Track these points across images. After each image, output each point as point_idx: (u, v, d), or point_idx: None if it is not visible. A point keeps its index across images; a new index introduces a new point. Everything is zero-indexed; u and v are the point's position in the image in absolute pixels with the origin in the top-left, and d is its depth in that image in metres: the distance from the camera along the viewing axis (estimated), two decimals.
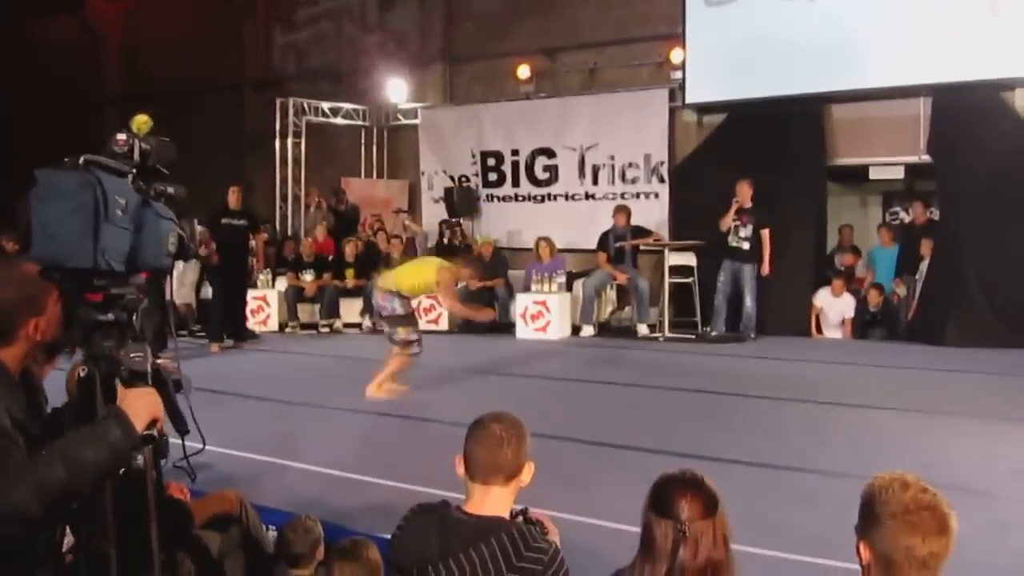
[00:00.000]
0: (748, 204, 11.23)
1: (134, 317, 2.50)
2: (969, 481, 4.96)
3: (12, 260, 2.43)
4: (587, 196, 13.66)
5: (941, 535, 2.11)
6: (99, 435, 2.18)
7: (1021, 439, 6.24)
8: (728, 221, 11.23)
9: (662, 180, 12.99)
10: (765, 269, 11.20)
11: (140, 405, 2.28)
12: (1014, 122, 10.85)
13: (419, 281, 7.85)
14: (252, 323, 12.32)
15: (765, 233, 11.21)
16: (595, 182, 13.62)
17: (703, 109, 12.86)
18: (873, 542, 2.16)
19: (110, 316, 2.45)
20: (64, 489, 2.11)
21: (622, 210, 12.22)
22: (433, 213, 14.69)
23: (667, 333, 11.57)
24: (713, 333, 11.38)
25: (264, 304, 12.84)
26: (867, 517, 2.20)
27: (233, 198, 11.27)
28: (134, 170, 2.58)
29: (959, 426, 6.65)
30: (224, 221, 11.11)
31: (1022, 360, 9.37)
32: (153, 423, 2.31)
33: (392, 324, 7.90)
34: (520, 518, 2.69)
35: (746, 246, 11.20)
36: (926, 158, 11.47)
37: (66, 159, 2.45)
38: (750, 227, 11.19)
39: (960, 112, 11.14)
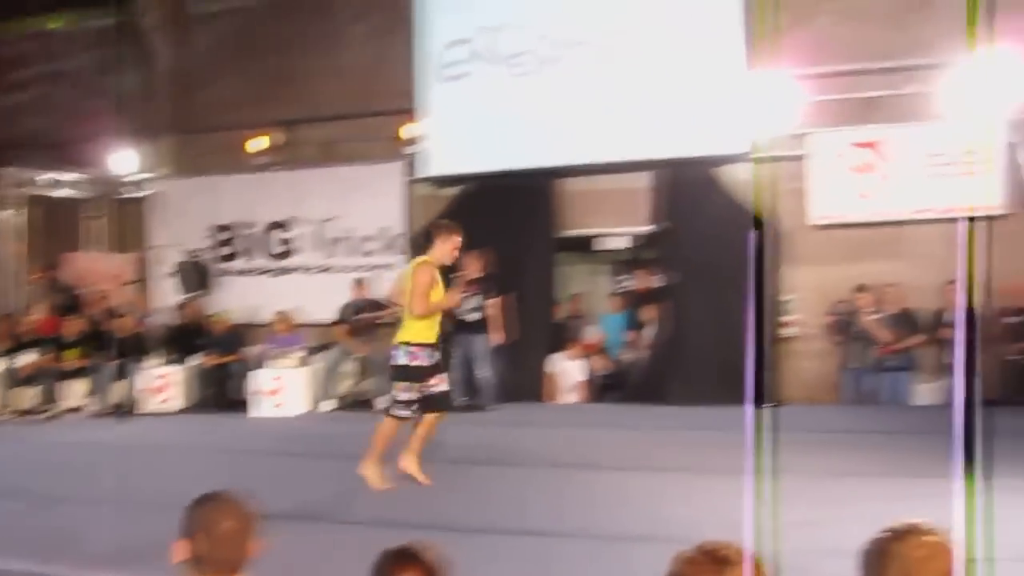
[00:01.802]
0: (475, 275, 11.41)
1: None
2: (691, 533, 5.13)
3: None
4: (325, 269, 13.52)
5: None
6: None
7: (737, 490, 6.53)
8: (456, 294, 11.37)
9: (400, 252, 13.03)
10: (495, 338, 11.36)
11: None
12: (725, 196, 11.60)
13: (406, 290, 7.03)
14: None
15: (494, 303, 11.40)
16: (333, 255, 13.51)
17: (439, 182, 13.04)
18: None
19: None
20: None
21: (359, 283, 12.19)
22: (165, 288, 14.10)
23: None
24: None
25: None
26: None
27: None
28: None
29: (684, 481, 6.93)
30: None
31: (739, 416, 9.88)
32: None
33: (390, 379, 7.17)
34: None
35: (475, 317, 11.35)
36: (653, 227, 12.08)
37: None
38: (479, 298, 11.37)
39: (680, 185, 11.87)
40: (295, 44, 14.45)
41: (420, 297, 6.80)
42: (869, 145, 11.45)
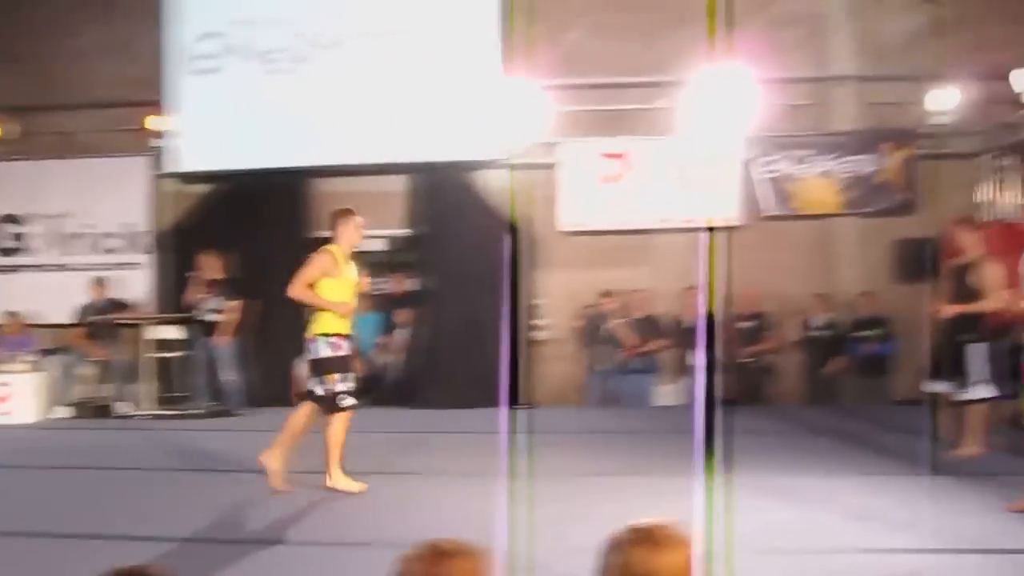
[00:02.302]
0: (216, 276, 11.08)
1: None
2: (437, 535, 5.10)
3: None
4: (62, 267, 12.73)
5: None
6: None
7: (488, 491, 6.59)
8: (191, 295, 11.02)
9: (144, 251, 12.45)
10: (222, 340, 11.05)
11: None
12: (482, 200, 11.74)
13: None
14: None
15: (233, 304, 11.09)
16: (71, 252, 12.74)
17: (188, 178, 12.54)
18: None
19: None
20: None
21: (99, 283, 11.57)
22: None
23: (149, 411, 10.96)
24: (197, 410, 10.96)
25: None
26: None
27: None
28: None
29: (435, 484, 6.91)
30: None
31: (492, 417, 10.00)
32: None
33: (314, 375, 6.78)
34: None
35: (216, 318, 11.02)
36: (407, 231, 12.05)
37: None
38: (218, 299, 11.04)
39: (438, 189, 11.96)
40: (36, 27, 13.54)
41: (298, 281, 6.73)
42: (618, 156, 11.89)
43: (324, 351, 6.71)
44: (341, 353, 6.75)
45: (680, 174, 11.64)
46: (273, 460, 6.69)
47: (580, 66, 11.62)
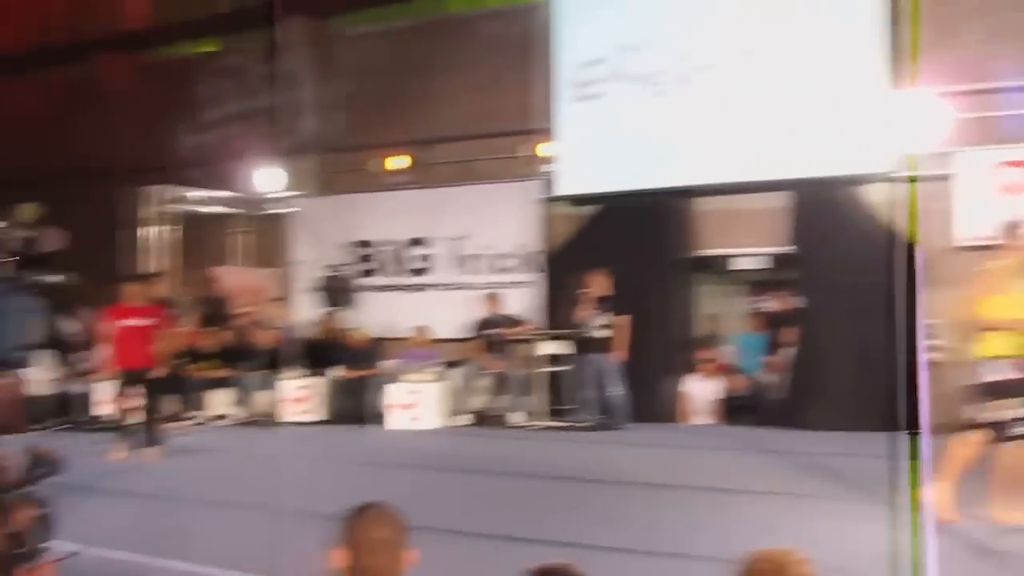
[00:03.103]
0: (604, 294, 11.41)
1: None
2: (833, 561, 5.05)
3: None
4: (461, 286, 13.71)
5: None
6: None
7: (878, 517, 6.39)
8: (582, 312, 11.40)
9: (535, 270, 13.13)
10: (621, 356, 11.33)
11: None
12: (867, 215, 11.34)
13: None
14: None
15: (621, 320, 11.37)
16: (469, 272, 13.69)
17: (576, 201, 13.11)
18: None
19: None
20: None
21: (493, 298, 12.30)
22: (307, 303, 14.47)
23: (542, 422, 11.57)
24: (584, 423, 11.40)
25: None
26: None
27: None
28: (13, 258, 2.53)
29: (823, 507, 6.80)
30: None
31: (879, 441, 9.65)
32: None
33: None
34: None
35: (603, 334, 11.36)
36: (789, 248, 11.89)
37: None
38: (606, 316, 11.37)
39: (820, 205, 11.65)
40: (433, 64, 14.76)
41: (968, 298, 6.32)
42: (1020, 164, 11.07)
43: (992, 374, 6.13)
44: (1012, 376, 6.07)
45: None
46: (939, 492, 5.97)
47: (975, 71, 10.96)
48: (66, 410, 12.52)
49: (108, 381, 12.14)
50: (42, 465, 2.45)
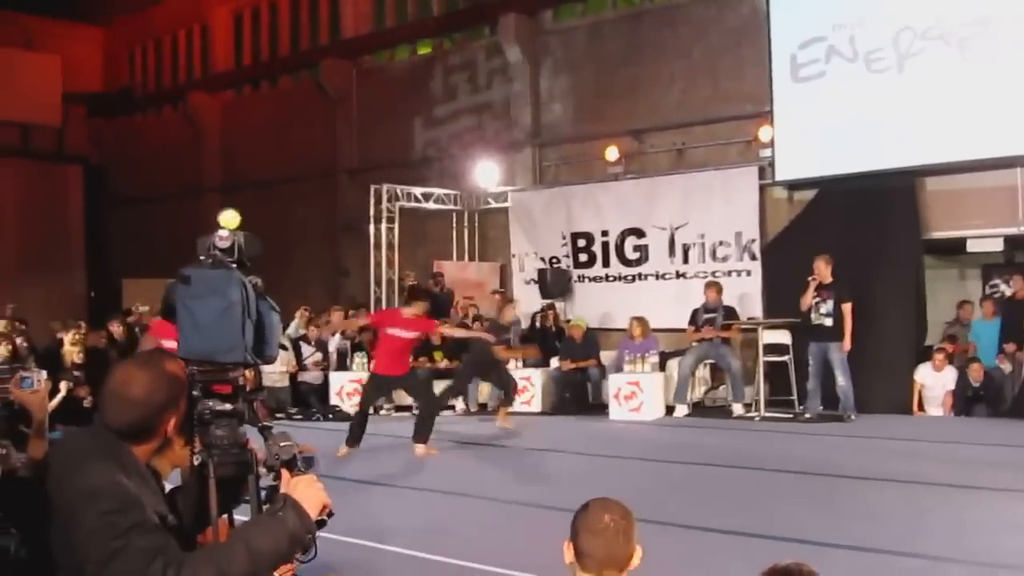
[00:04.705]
0: (827, 280, 11.06)
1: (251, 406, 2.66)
2: None
3: (157, 358, 2.52)
4: (678, 275, 13.63)
5: None
6: (278, 525, 2.28)
7: None
8: (807, 299, 11.08)
9: (753, 257, 12.91)
10: (846, 345, 10.97)
11: (311, 493, 2.38)
12: None
13: None
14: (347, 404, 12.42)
15: (846, 308, 11.00)
16: (686, 261, 13.60)
17: (793, 186, 12.82)
18: None
19: (228, 407, 2.61)
20: None
21: (713, 286, 12.13)
22: (525, 295, 14.74)
23: (763, 413, 11.38)
24: (808, 414, 11.13)
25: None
26: None
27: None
28: (238, 264, 2.76)
29: None
30: None
31: None
32: (323, 510, 2.41)
33: None
34: None
35: (828, 322, 11.00)
36: None
37: (202, 256, 2.63)
38: (831, 303, 11.01)
39: None
40: (645, 53, 14.75)
41: None
42: None
43: None
44: None
45: None
46: None
47: None
48: (303, 401, 13.21)
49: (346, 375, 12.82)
50: (302, 463, 2.63)
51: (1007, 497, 6.78)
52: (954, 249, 12.11)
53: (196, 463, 2.67)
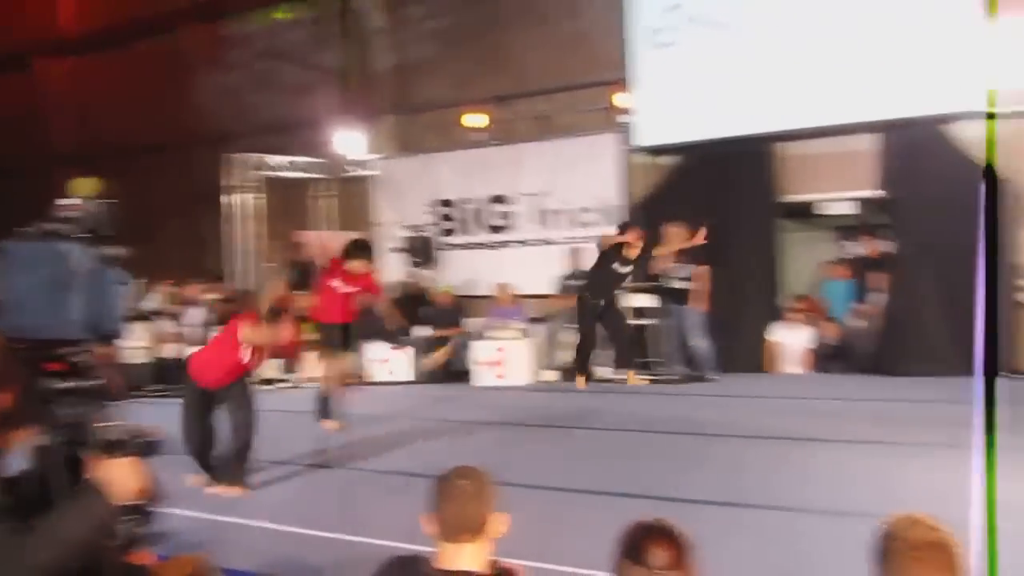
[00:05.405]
0: (681, 245, 11.29)
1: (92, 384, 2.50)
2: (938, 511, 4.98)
3: None
4: (544, 242, 13.70)
5: (948, 572, 2.14)
6: (84, 511, 2.19)
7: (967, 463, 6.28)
8: (660, 265, 11.31)
9: (617, 224, 13.03)
10: (700, 306, 11.24)
11: (122, 477, 2.26)
12: (957, 154, 11.01)
13: None
14: None
15: (700, 272, 11.27)
16: (551, 227, 13.67)
17: (656, 151, 12.97)
18: None
19: (70, 384, 2.45)
20: (59, 569, 2.13)
21: (577, 253, 12.24)
22: (391, 263, 14.59)
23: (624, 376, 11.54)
24: (672, 375, 11.36)
25: None
26: (878, 554, 2.25)
27: None
28: (87, 234, 2.58)
29: (923, 457, 6.69)
30: None
31: (971, 387, 9.44)
32: (143, 493, 2.31)
33: None
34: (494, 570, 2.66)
35: (683, 286, 11.28)
36: (878, 192, 11.61)
37: (27, 228, 2.45)
38: (686, 268, 11.27)
39: (908, 146, 11.31)
40: (508, 20, 14.69)
41: None
42: None
43: None
44: None
45: None
46: None
47: None
48: (162, 377, 12.82)
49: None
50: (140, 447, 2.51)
51: (863, 448, 7.01)
52: (808, 212, 12.46)
53: (39, 444, 2.53)
